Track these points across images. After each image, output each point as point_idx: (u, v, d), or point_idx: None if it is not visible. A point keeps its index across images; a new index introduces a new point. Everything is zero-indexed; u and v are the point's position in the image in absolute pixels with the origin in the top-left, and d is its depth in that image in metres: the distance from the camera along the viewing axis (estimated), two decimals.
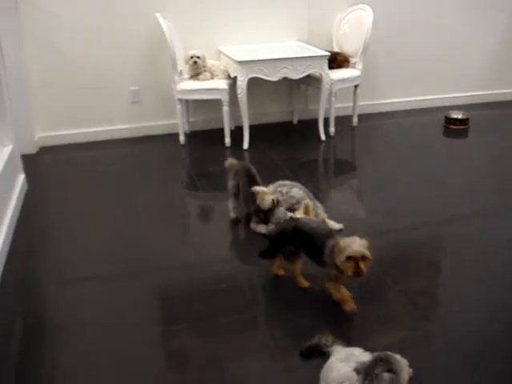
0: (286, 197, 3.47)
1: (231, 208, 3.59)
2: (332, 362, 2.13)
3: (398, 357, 2.16)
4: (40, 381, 2.33)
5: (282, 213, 3.36)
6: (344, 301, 2.66)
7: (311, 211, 3.28)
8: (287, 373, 2.33)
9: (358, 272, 2.49)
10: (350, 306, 2.66)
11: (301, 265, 2.88)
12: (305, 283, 2.87)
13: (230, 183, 3.58)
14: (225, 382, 2.30)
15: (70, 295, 2.91)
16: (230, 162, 3.69)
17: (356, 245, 2.50)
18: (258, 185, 3.42)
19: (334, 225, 3.43)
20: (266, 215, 3.37)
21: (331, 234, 2.73)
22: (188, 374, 2.34)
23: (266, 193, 3.34)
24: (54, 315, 2.76)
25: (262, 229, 3.40)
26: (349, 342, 2.34)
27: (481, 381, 2.28)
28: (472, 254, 3.23)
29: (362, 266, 2.48)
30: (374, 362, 1.99)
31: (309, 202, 3.22)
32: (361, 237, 2.55)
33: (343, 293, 2.67)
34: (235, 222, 3.59)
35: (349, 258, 2.48)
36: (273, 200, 3.33)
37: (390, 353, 2.13)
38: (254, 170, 3.56)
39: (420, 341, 2.51)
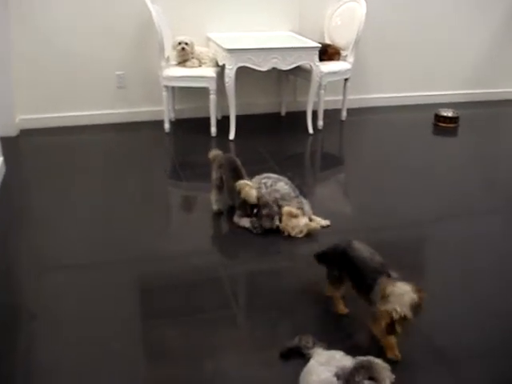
0: (270, 190, 3.39)
1: (214, 200, 3.51)
2: (312, 365, 2.06)
3: (379, 362, 2.10)
4: (15, 373, 2.25)
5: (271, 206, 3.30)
6: (389, 347, 2.33)
7: (299, 212, 3.28)
8: (265, 374, 2.26)
9: (390, 330, 2.21)
10: (394, 353, 2.32)
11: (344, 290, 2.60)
12: (344, 309, 2.60)
13: (214, 175, 3.49)
14: (201, 379, 2.22)
15: (46, 284, 2.83)
16: (214, 153, 3.59)
17: (403, 299, 2.16)
18: (242, 178, 3.34)
19: (321, 221, 3.37)
20: (251, 208, 3.29)
21: (385, 269, 2.39)
22: (166, 368, 2.28)
23: (251, 187, 3.26)
24: (31, 305, 2.68)
25: (245, 222, 3.33)
26: (330, 344, 2.27)
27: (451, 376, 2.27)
28: (457, 254, 3.20)
29: (398, 328, 2.18)
30: (355, 369, 1.92)
31: (287, 210, 3.27)
32: (417, 289, 2.21)
33: (389, 340, 2.32)
34: (217, 215, 3.50)
35: (387, 312, 2.18)
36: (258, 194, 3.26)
37: (372, 358, 2.06)
38: (238, 162, 3.47)
39: (403, 343, 2.42)
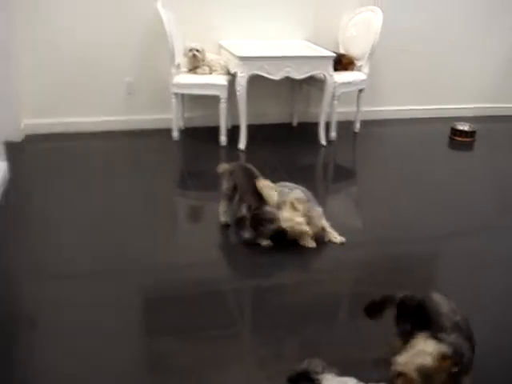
0: (286, 197, 3.24)
1: (222, 212, 3.36)
2: None
3: None
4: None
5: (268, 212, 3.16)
6: None
7: (299, 209, 3.12)
8: None
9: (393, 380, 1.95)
10: None
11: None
12: None
13: (225, 185, 3.32)
14: None
15: (48, 292, 2.73)
16: (223, 166, 3.40)
17: (415, 358, 1.91)
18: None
19: (336, 237, 3.22)
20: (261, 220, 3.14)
21: (461, 325, 2.10)
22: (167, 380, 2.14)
23: (272, 187, 3.14)
24: (31, 313, 2.58)
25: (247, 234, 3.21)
26: (342, 370, 2.11)
27: None
28: (473, 269, 3.09)
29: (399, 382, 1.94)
30: None
31: (293, 199, 3.11)
32: (443, 355, 1.90)
33: None
34: (225, 227, 3.36)
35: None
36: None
37: None
38: (252, 167, 3.32)
39: None
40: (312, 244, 3.17)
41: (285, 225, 3.11)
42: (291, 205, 3.12)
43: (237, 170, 3.29)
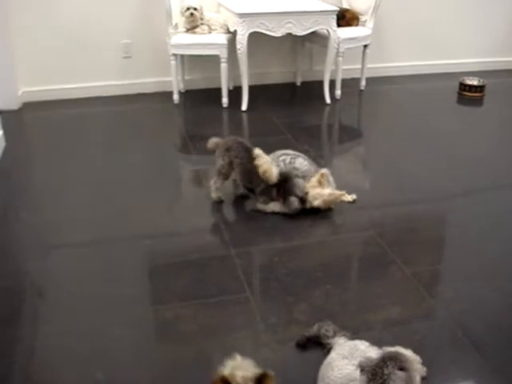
0: (289, 168, 3.10)
1: (214, 188, 3.15)
2: (333, 358, 1.82)
3: (409, 354, 1.87)
4: (17, 351, 2.11)
5: (301, 184, 3.03)
6: None
7: (325, 182, 2.99)
8: (280, 367, 2.03)
9: None
10: None
11: None
12: None
13: (220, 161, 3.09)
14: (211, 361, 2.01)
15: (49, 262, 2.67)
16: (214, 141, 3.18)
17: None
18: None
19: (347, 196, 3.12)
20: (278, 190, 3.01)
21: None
22: (175, 350, 2.08)
23: (271, 162, 2.99)
24: (33, 284, 2.53)
25: (275, 207, 3.04)
26: (354, 333, 2.04)
27: (484, 359, 2.08)
28: (479, 229, 2.97)
29: None
30: (383, 361, 1.68)
31: (325, 171, 2.97)
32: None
33: None
34: (218, 203, 3.18)
35: None
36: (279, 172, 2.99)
37: (401, 349, 1.83)
38: (249, 143, 3.14)
39: (422, 316, 2.30)
40: (348, 198, 3.13)
41: (316, 202, 2.99)
42: (321, 177, 3.01)
43: (234, 147, 3.09)
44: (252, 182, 3.09)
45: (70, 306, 2.35)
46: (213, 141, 3.19)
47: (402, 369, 1.67)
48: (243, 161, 3.05)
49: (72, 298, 2.40)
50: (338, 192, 3.04)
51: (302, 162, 3.15)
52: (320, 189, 3.00)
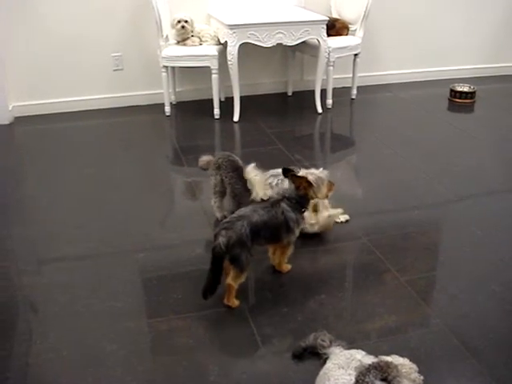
0: (278, 189, 2.87)
1: (215, 207, 3.06)
2: (329, 368, 1.81)
3: (406, 362, 1.86)
4: (10, 367, 2.10)
5: None
6: None
7: (320, 205, 2.88)
8: (277, 379, 2.02)
9: None
10: None
11: None
12: None
13: (213, 180, 2.99)
14: (205, 377, 2.00)
15: (41, 276, 2.67)
16: (205, 159, 3.06)
17: None
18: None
19: (339, 218, 3.05)
20: None
21: None
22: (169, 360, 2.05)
23: (264, 183, 2.78)
24: (25, 299, 2.50)
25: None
26: (350, 343, 2.03)
27: (479, 365, 2.08)
28: (473, 235, 2.97)
29: None
30: (367, 369, 1.67)
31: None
32: None
33: None
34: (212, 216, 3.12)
35: None
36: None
37: (396, 358, 1.83)
38: (240, 161, 2.97)
39: (417, 324, 2.30)
40: (341, 219, 3.05)
41: (313, 229, 2.92)
42: (313, 207, 2.87)
43: (224, 165, 2.94)
44: (242, 201, 2.86)
45: (62, 320, 2.33)
46: (204, 159, 3.07)
47: (384, 379, 1.66)
48: (231, 181, 2.91)
49: (65, 312, 2.39)
50: (334, 212, 2.96)
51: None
52: (314, 214, 2.90)
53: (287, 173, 2.52)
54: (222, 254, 2.26)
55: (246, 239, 2.29)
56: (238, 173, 2.88)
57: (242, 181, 2.82)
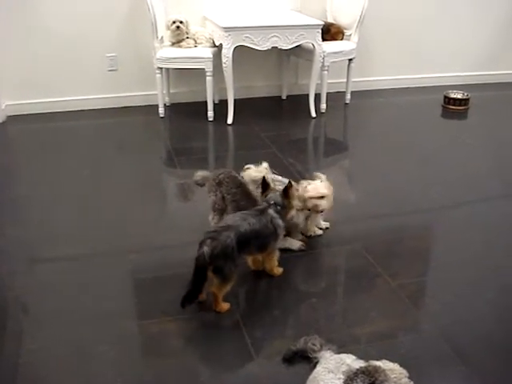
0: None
1: (213, 224, 2.81)
2: (319, 372, 1.80)
3: (396, 367, 1.85)
4: (1, 367, 2.09)
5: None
6: None
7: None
8: (267, 382, 2.02)
9: None
10: None
11: None
12: None
13: (213, 197, 2.81)
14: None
15: (33, 277, 2.65)
16: (201, 174, 2.90)
17: None
18: (251, 195, 2.75)
19: (316, 231, 2.99)
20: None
21: None
22: (160, 367, 2.05)
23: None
24: (16, 299, 2.48)
25: (294, 244, 2.84)
26: (340, 347, 2.02)
27: (469, 371, 2.08)
28: (466, 241, 2.98)
29: None
30: (355, 374, 1.67)
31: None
32: None
33: None
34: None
35: None
36: None
37: (387, 363, 1.82)
38: (241, 177, 2.85)
39: (408, 329, 2.31)
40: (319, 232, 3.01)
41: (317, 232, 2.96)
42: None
43: (226, 182, 2.78)
44: None
45: (53, 321, 2.32)
46: (199, 174, 2.92)
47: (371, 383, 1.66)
48: (235, 198, 2.74)
49: (56, 312, 2.37)
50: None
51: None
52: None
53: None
54: (206, 264, 2.23)
55: (231, 251, 2.25)
56: (242, 189, 2.76)
57: (247, 197, 2.73)
